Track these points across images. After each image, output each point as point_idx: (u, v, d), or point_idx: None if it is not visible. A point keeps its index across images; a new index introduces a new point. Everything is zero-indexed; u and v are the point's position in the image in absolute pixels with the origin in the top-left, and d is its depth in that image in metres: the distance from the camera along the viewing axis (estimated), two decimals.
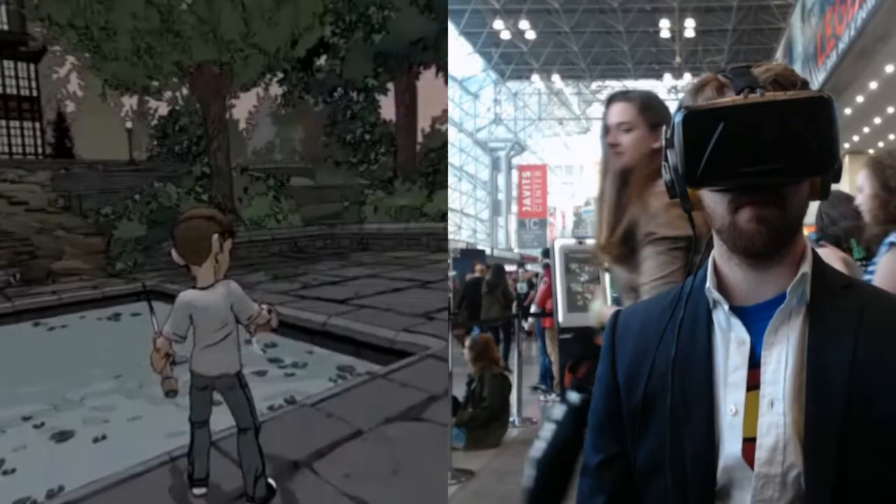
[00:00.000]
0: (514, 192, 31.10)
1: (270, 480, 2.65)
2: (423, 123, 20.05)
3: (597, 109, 30.12)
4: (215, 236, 2.44)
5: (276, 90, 17.64)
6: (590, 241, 6.81)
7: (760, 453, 0.89)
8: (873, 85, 13.20)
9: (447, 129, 19.65)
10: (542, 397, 7.45)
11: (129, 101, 21.04)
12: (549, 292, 7.27)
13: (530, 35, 22.52)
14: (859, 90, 13.54)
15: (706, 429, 0.92)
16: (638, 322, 1.05)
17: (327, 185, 17.30)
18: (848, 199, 3.14)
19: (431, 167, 15.16)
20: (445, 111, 20.27)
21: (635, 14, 21.41)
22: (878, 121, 16.25)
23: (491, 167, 31.43)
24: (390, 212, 13.48)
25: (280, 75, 15.78)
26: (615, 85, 28.27)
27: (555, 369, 7.08)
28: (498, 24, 21.64)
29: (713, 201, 0.93)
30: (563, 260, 5.88)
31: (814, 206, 3.10)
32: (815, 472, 0.87)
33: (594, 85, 28.95)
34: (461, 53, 23.57)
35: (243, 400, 2.53)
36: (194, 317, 2.46)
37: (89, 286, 8.83)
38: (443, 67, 15.90)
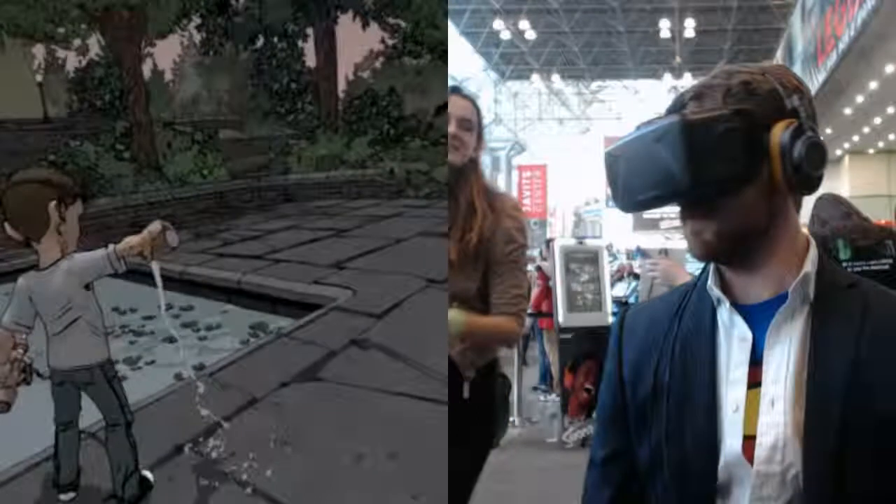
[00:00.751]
0: (515, 192, 30.04)
1: (147, 473, 2.40)
2: (348, 71, 19.46)
3: (597, 109, 29.96)
4: (52, 204, 2.08)
5: (196, 38, 16.81)
6: (589, 241, 6.80)
7: (760, 452, 0.90)
8: (873, 85, 13.23)
9: (370, 76, 19.16)
10: (541, 397, 7.40)
11: (42, 53, 19.77)
12: (543, 295, 7.29)
13: (530, 35, 22.23)
14: (859, 90, 13.61)
15: (708, 424, 0.93)
16: (645, 319, 1.07)
17: (256, 136, 16.76)
18: (837, 200, 3.14)
19: (356, 115, 14.79)
20: (367, 58, 19.71)
21: (635, 14, 21.15)
22: (878, 121, 16.35)
23: (491, 167, 30.60)
24: (312, 162, 13.26)
25: (197, 20, 14.93)
26: (615, 85, 28.24)
27: (554, 370, 7.01)
28: (498, 24, 21.33)
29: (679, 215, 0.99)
30: (563, 260, 5.87)
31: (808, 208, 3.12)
32: (813, 473, 0.87)
33: (594, 85, 28.82)
34: (461, 53, 23.25)
35: (108, 394, 2.25)
36: (35, 302, 2.17)
37: None
38: (360, 12, 15.22)
